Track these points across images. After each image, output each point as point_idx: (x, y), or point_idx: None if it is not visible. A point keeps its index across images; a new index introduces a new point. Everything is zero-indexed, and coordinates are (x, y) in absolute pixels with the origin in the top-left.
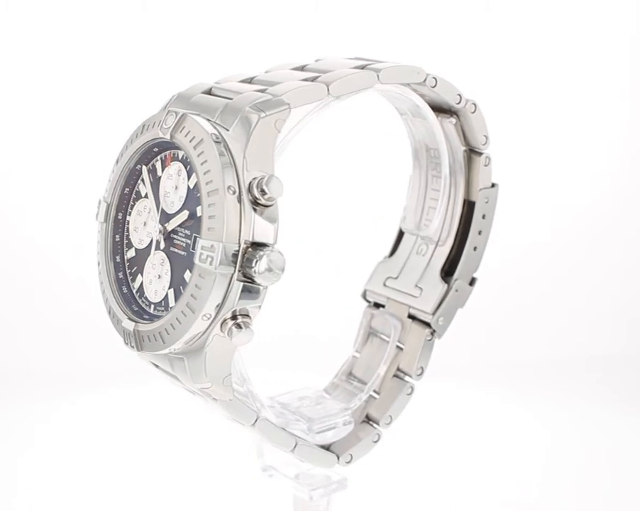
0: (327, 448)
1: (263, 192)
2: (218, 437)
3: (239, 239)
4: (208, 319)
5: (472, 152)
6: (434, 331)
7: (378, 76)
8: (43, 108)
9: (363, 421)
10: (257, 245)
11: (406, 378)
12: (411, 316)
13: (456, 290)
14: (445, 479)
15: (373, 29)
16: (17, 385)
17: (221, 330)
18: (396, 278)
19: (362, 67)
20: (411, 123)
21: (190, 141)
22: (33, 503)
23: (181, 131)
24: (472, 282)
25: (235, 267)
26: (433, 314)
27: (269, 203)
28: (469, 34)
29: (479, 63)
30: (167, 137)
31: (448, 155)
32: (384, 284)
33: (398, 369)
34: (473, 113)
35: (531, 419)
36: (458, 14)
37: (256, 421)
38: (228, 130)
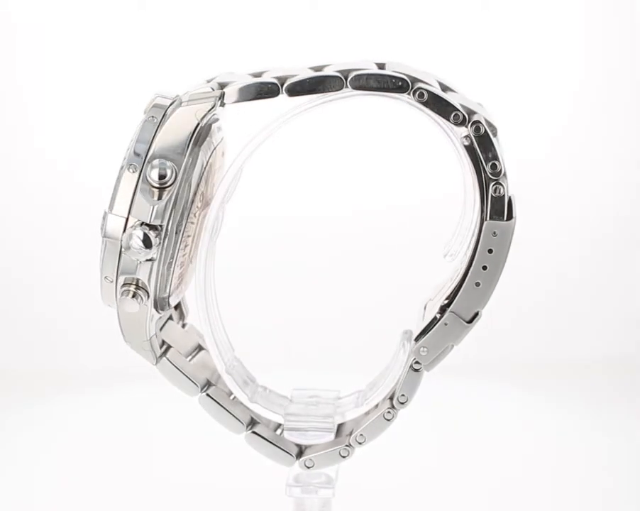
0: (302, 449)
1: (160, 176)
2: (218, 437)
3: (127, 214)
4: (111, 282)
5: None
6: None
7: (345, 80)
8: (43, 109)
9: (350, 433)
10: (143, 223)
11: (393, 401)
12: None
13: (445, 324)
14: (445, 478)
15: (371, 28)
16: (17, 385)
17: (120, 294)
18: (432, 300)
19: (346, 72)
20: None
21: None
22: (33, 503)
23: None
24: (472, 320)
25: (120, 239)
26: (417, 340)
27: (160, 186)
28: (466, 33)
29: (476, 63)
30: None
31: (472, 177)
32: (425, 305)
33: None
34: (479, 135)
35: (531, 418)
36: (456, 14)
37: (200, 396)
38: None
